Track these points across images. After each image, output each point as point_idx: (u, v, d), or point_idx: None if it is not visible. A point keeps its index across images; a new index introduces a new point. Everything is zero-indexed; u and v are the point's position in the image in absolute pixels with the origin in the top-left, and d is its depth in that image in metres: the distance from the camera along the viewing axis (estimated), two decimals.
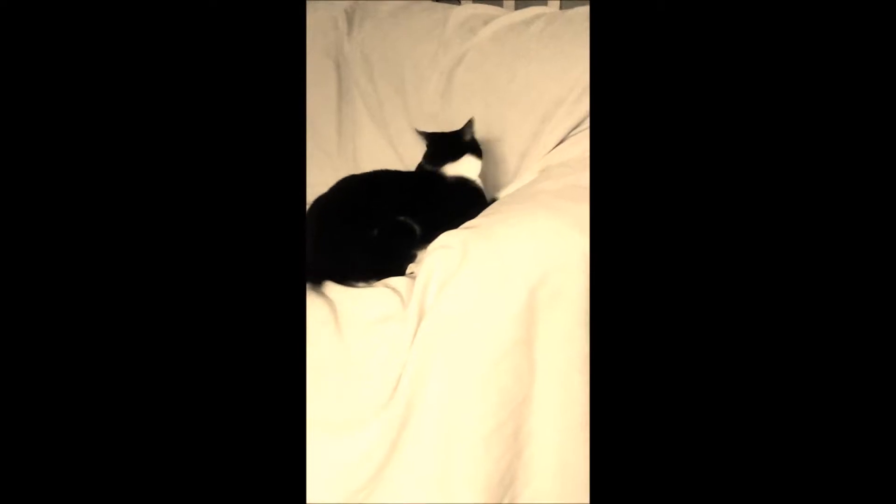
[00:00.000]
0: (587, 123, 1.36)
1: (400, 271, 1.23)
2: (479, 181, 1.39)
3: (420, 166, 1.41)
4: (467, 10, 1.62)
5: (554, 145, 1.40)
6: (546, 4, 1.63)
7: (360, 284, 1.20)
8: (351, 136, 1.68)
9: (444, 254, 1.04)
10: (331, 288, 1.18)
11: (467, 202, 1.33)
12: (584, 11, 1.47)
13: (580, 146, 1.36)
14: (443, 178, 1.37)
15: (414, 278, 1.12)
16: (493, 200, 1.37)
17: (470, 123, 1.39)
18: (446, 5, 1.68)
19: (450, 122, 1.52)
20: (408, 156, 1.60)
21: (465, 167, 1.38)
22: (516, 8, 1.66)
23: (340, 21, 1.69)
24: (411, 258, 1.26)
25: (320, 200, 1.32)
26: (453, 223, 1.21)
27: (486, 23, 1.56)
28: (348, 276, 1.20)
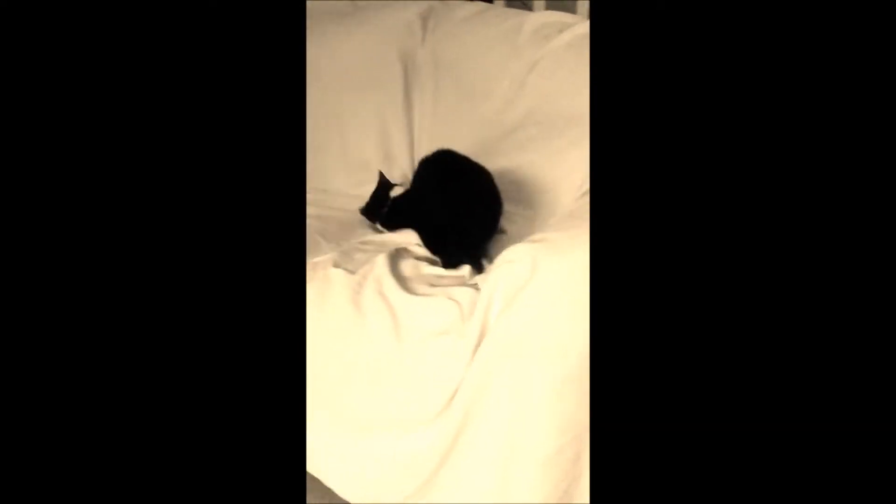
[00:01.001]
0: None
1: (476, 266, 1.25)
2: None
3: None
4: (542, 17, 1.60)
5: None
6: None
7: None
8: (417, 140, 1.68)
9: (510, 268, 1.02)
10: (392, 294, 1.17)
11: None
12: None
13: None
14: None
15: (478, 290, 1.10)
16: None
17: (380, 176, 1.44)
18: (521, 12, 1.66)
19: (514, 128, 1.50)
20: None
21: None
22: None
23: (415, 25, 1.69)
24: (481, 268, 1.25)
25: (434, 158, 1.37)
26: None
27: (560, 31, 1.53)
28: (429, 244, 1.29)
